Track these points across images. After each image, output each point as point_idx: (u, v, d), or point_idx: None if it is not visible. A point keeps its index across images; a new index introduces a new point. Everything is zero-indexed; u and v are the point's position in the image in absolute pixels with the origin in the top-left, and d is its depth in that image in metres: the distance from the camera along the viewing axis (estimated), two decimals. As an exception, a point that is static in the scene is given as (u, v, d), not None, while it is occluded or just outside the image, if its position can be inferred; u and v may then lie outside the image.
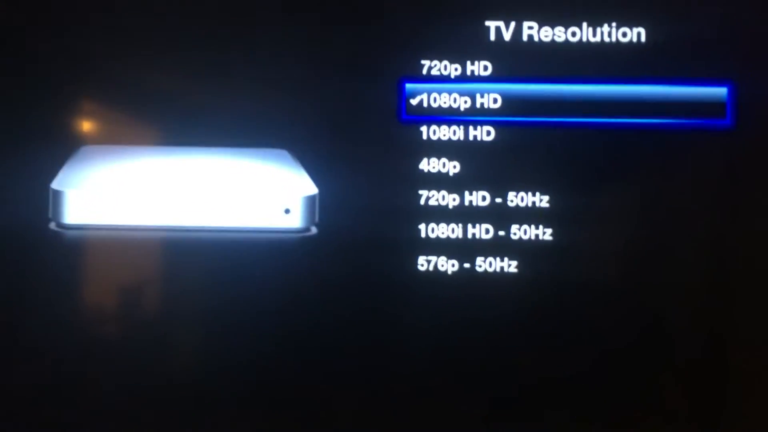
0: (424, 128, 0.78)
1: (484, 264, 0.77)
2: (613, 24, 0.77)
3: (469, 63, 0.78)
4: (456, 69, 0.78)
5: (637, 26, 0.77)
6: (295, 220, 0.78)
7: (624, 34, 0.77)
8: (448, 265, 0.77)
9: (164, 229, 0.77)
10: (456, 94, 0.78)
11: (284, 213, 0.78)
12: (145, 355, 0.78)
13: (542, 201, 0.77)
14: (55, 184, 0.77)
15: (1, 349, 0.78)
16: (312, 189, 0.77)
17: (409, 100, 0.78)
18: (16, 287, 0.78)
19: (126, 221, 0.77)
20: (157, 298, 0.80)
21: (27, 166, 0.77)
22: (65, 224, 0.77)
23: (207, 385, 0.78)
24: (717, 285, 0.78)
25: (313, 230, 0.78)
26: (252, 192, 0.78)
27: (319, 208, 0.77)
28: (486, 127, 0.77)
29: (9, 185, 0.77)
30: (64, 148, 0.78)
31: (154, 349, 0.79)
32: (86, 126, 0.79)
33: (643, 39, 0.77)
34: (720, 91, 0.77)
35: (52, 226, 0.77)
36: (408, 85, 0.78)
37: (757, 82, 0.77)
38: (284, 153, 0.78)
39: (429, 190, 0.77)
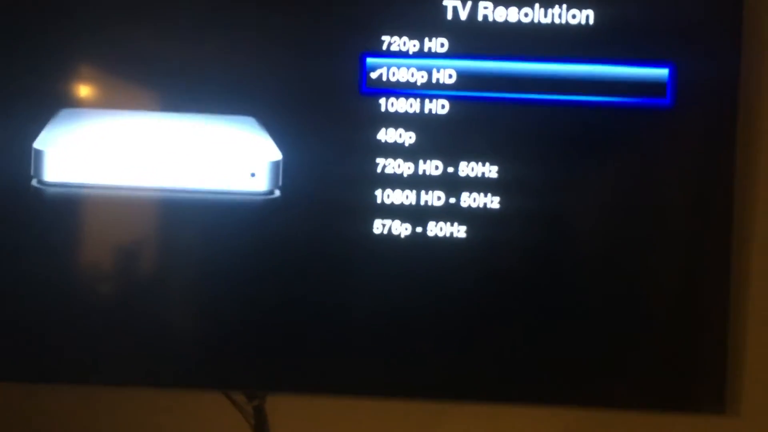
0: (382, 101, 0.82)
1: (435, 229, 0.82)
2: (564, 5, 0.81)
3: (426, 40, 0.82)
4: (414, 45, 0.82)
5: (586, 8, 0.81)
6: (260, 184, 0.83)
7: (573, 16, 0.81)
8: (401, 228, 0.82)
9: (137, 189, 0.83)
10: (414, 69, 0.82)
11: (250, 176, 0.83)
12: (115, 302, 0.85)
13: (491, 171, 0.82)
14: (36, 144, 0.82)
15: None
16: (277, 155, 0.82)
17: (369, 74, 0.82)
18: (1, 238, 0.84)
19: (101, 180, 0.83)
20: (130, 253, 0.85)
21: (11, 128, 0.82)
22: (46, 182, 0.83)
23: (171, 336, 0.85)
24: (653, 251, 0.83)
25: (277, 193, 0.83)
26: (220, 156, 0.83)
27: (283, 172, 0.82)
28: (441, 101, 0.82)
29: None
30: (45, 111, 0.83)
31: (126, 298, 0.85)
32: (66, 90, 0.84)
33: (591, 20, 0.81)
34: (661, 72, 0.81)
35: (34, 183, 0.83)
36: (368, 60, 0.82)
37: (697, 64, 0.81)
38: (251, 120, 0.83)
39: (386, 158, 0.82)
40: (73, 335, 0.85)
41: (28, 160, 0.82)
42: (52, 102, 0.83)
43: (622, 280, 0.83)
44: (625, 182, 0.83)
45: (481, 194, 0.82)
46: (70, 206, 0.83)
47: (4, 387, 0.95)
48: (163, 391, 0.91)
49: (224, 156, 0.83)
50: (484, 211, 0.82)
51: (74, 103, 0.84)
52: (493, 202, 0.82)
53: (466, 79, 0.82)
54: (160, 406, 0.94)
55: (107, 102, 0.84)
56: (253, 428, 0.91)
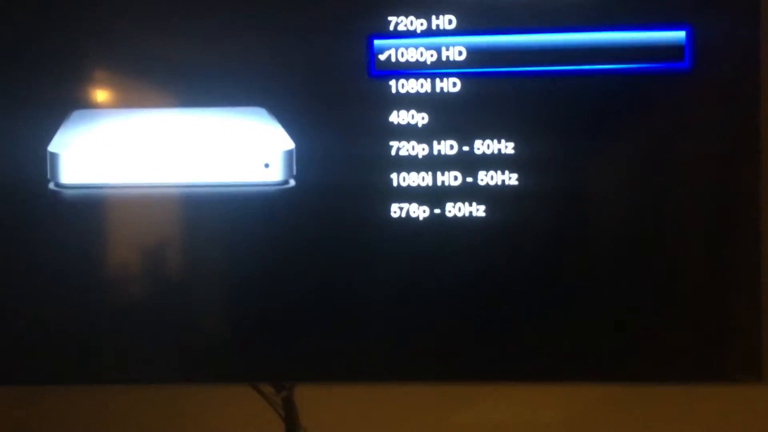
0: (392, 82, 0.81)
1: (453, 209, 0.81)
2: (573, -27, 0.79)
3: (434, 17, 0.80)
4: (422, 24, 0.81)
5: (597, -27, 0.79)
6: (274, 174, 0.82)
7: (584, -18, 0.79)
8: (419, 211, 0.81)
9: (152, 187, 0.83)
10: (422, 48, 0.81)
11: (264, 167, 0.82)
12: (139, 301, 0.85)
13: (507, 148, 0.80)
14: (51, 147, 0.83)
15: (3, 302, 0.85)
16: (289, 144, 0.82)
17: (377, 56, 0.81)
18: (20, 241, 0.84)
19: (117, 180, 0.83)
20: (150, 251, 0.86)
21: (24, 131, 0.83)
22: (63, 184, 0.83)
23: (196, 332, 0.85)
24: (681, 222, 0.81)
25: (292, 183, 0.82)
26: (233, 148, 0.82)
27: (297, 161, 0.82)
28: (452, 79, 0.81)
29: (10, 149, 0.83)
30: (58, 113, 0.83)
31: (149, 296, 0.85)
32: (77, 91, 0.84)
33: (603, -14, 0.79)
34: (678, 35, 0.79)
35: (51, 186, 0.83)
36: (376, 42, 0.81)
37: (716, 25, 0.78)
38: (262, 110, 0.82)
39: (399, 141, 0.81)
40: (99, 336, 0.85)
41: (43, 164, 0.83)
42: (63, 104, 0.83)
43: (648, 252, 0.81)
44: (646, 151, 0.80)
45: (499, 172, 0.81)
46: (88, 207, 0.84)
47: (39, 389, 0.97)
48: (192, 387, 0.92)
49: (237, 148, 0.82)
50: (503, 188, 0.81)
51: (86, 104, 0.84)
52: (512, 179, 0.80)
53: (476, 55, 0.80)
54: (189, 402, 0.95)
55: (118, 101, 0.84)
56: (283, 419, 0.91)
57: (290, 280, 0.83)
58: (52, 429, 0.97)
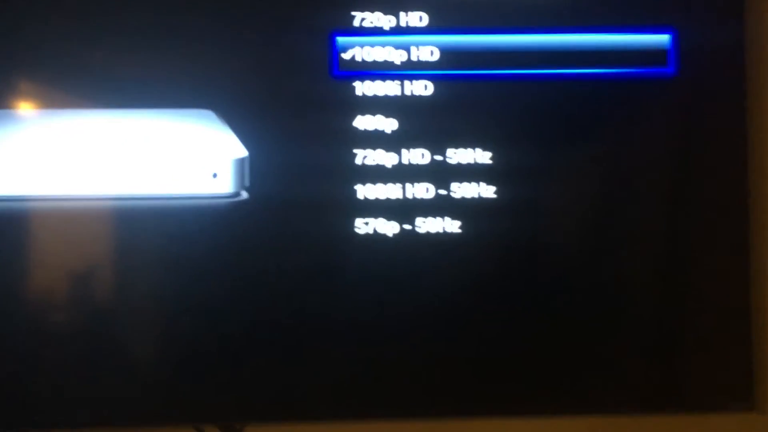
0: (357, 84, 0.74)
1: (424, 225, 0.74)
2: (553, -30, 0.74)
3: (403, 14, 0.74)
4: (390, 20, 0.74)
5: (577, -28, 0.74)
6: (224, 185, 0.73)
7: (565, -19, 0.75)
8: (387, 227, 0.74)
9: (83, 199, 0.72)
10: (391, 47, 0.74)
11: (212, 177, 0.73)
12: (64, 334, 0.74)
13: (484, 157, 0.74)
14: (-42, 154, 0.71)
15: None
16: (241, 151, 0.73)
17: (341, 55, 0.74)
18: None
19: (41, 191, 0.72)
20: (78, 274, 0.74)
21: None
22: (-27, 197, 0.72)
23: (132, 367, 0.74)
24: (666, 237, 0.76)
25: (244, 195, 0.73)
26: (176, 156, 0.73)
27: (249, 171, 0.73)
28: (423, 82, 0.74)
29: None
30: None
31: (78, 328, 0.74)
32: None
33: (584, -14, 0.75)
34: (662, 39, 0.75)
35: (-42, 198, 0.72)
36: (339, 39, 0.74)
37: (700, 29, 0.75)
38: (210, 113, 0.73)
39: (365, 148, 0.74)
40: (19, 377, 0.73)
41: (-52, 172, 0.71)
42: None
43: (633, 271, 0.76)
44: (630, 159, 0.76)
45: (474, 183, 0.74)
46: (4, 223, 0.72)
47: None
48: (128, 430, 0.81)
49: (181, 156, 0.73)
50: (479, 201, 0.74)
51: (2, 104, 0.73)
52: (488, 191, 0.74)
53: (449, 56, 0.74)
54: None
55: (40, 101, 0.74)
56: (230, 465, 0.80)
57: (240, 307, 0.74)
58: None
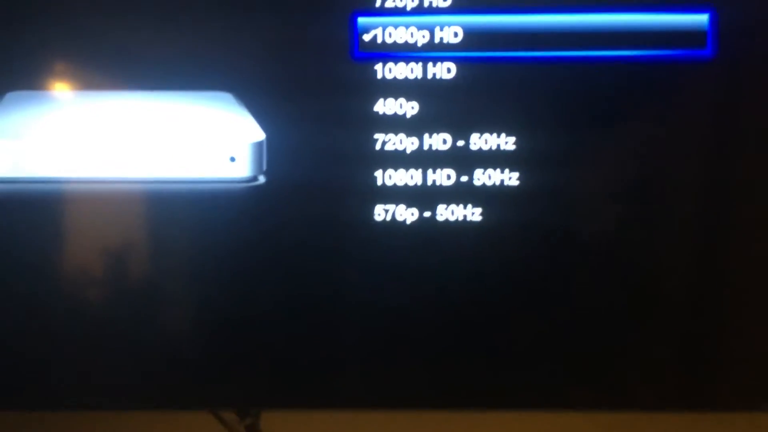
0: (378, 66, 0.71)
1: (445, 212, 0.71)
2: (585, -53, 0.71)
3: (426, -7, 0.71)
4: (412, 0, 0.71)
5: (610, -51, 0.71)
6: (241, 169, 0.72)
7: (596, -42, 0.71)
8: (407, 214, 0.72)
9: (99, 182, 0.72)
10: (413, 27, 0.71)
11: (229, 161, 0.72)
12: (81, 316, 0.74)
13: (508, 143, 0.71)
14: (-20, 135, 0.71)
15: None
16: (259, 135, 0.71)
17: (362, 36, 0.71)
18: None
19: (59, 174, 0.71)
20: (95, 259, 0.74)
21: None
22: (-6, 177, 0.72)
23: (151, 352, 0.74)
24: (701, 227, 0.73)
25: (261, 179, 0.72)
26: (194, 140, 0.72)
27: (267, 155, 0.71)
28: (446, 64, 0.71)
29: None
30: (-11, 96, 0.72)
31: (96, 313, 0.74)
32: (13, 70, 0.72)
33: (617, -38, 0.71)
34: (700, 19, 0.70)
35: (-20, 179, 0.72)
36: (360, 20, 0.71)
37: (740, 8, 0.70)
38: (228, 96, 0.72)
39: (385, 133, 0.71)
40: (38, 356, 0.74)
41: (-29, 154, 0.71)
42: (-4, 85, 0.72)
43: (666, 263, 0.73)
44: (662, 147, 0.72)
45: (498, 170, 0.71)
46: (23, 206, 0.72)
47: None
48: (145, 414, 0.81)
49: (199, 139, 0.72)
50: (502, 189, 0.71)
51: (23, 85, 0.72)
52: (512, 178, 0.71)
53: (474, 36, 0.71)
54: (143, 430, 0.84)
55: (61, 82, 0.73)
56: (247, 450, 0.80)
57: (257, 292, 0.73)
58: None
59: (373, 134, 0.71)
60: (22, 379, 0.75)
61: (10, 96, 0.72)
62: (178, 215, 0.72)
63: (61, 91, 0.73)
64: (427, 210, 0.72)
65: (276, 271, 0.73)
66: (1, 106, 0.72)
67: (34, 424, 0.85)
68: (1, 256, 0.73)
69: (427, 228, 0.71)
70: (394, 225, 0.71)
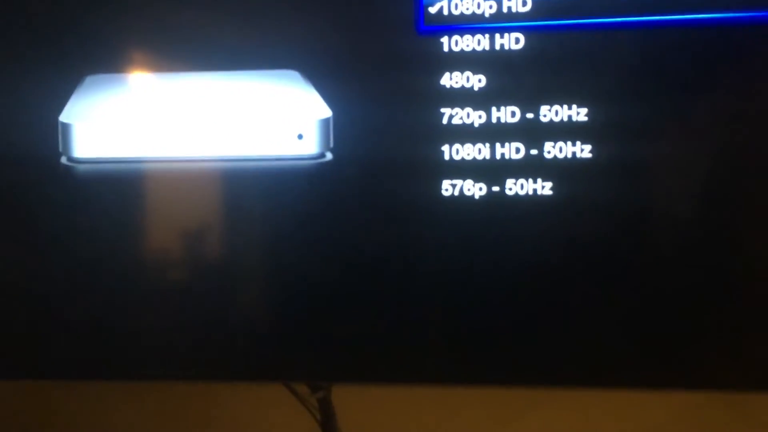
0: (444, 39, 0.70)
1: (515, 187, 0.70)
2: None
3: (493, -39, 0.69)
4: (479, -30, 0.70)
5: None
6: (309, 146, 0.72)
7: None
8: (474, 189, 0.70)
9: (175, 161, 0.74)
10: (480, -3, 0.70)
11: (297, 139, 0.73)
12: (159, 290, 0.76)
13: (579, 114, 0.69)
14: (63, 117, 0.74)
15: (16, 281, 0.77)
16: (326, 112, 0.72)
17: (427, 9, 0.70)
18: (29, 223, 0.76)
19: (136, 153, 0.74)
20: (174, 235, 0.77)
21: (34, 99, 0.75)
22: (76, 158, 0.75)
23: (226, 325, 0.76)
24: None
25: (328, 156, 0.72)
26: (262, 118, 0.73)
27: (334, 132, 0.72)
28: (514, 34, 0.69)
29: (17, 119, 0.75)
30: (69, 79, 0.74)
31: (173, 286, 0.77)
32: (90, 54, 0.75)
33: None
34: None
35: (64, 160, 0.75)
36: (426, -8, 0.70)
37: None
38: (294, 74, 0.72)
39: (452, 107, 0.70)
40: (119, 328, 0.77)
41: (54, 136, 0.74)
42: (76, 69, 0.74)
43: (745, 244, 0.69)
44: (746, 117, 0.67)
45: (569, 143, 0.69)
46: (104, 184, 0.75)
47: (59, 385, 0.90)
48: (219, 385, 0.84)
49: (267, 117, 0.73)
50: (573, 162, 0.69)
51: (100, 69, 0.75)
52: (584, 151, 0.69)
53: (542, 4, 0.68)
54: (218, 401, 0.87)
55: (136, 65, 0.75)
56: (319, 422, 0.81)
57: (327, 268, 0.74)
58: (74, 427, 0.90)
59: (440, 108, 0.70)
60: (111, 352, 0.78)
61: (89, 80, 0.75)
62: (249, 192, 0.73)
63: (136, 73, 0.75)
64: (495, 185, 0.70)
65: (344, 246, 0.73)
66: (81, 90, 0.75)
67: (123, 393, 0.89)
68: (85, 234, 0.76)
69: (495, 203, 0.70)
70: (461, 200, 0.70)
